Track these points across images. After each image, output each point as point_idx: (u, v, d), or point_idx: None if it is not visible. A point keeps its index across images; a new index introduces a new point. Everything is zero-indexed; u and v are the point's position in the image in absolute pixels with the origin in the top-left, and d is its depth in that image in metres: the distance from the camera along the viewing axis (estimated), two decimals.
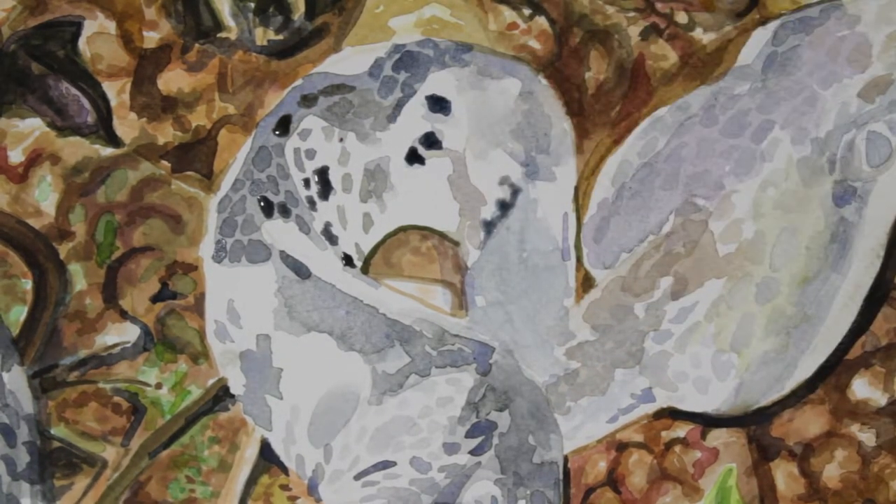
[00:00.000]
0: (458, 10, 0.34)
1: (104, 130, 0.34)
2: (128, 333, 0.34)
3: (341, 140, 0.34)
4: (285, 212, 0.34)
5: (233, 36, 0.34)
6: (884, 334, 0.35)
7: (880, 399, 0.35)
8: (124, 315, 0.34)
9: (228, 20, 0.34)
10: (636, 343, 0.34)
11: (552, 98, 0.34)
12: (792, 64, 0.34)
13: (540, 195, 0.34)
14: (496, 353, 0.34)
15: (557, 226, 0.34)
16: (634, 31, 0.34)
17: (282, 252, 0.34)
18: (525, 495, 0.34)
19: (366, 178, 0.34)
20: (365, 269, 0.35)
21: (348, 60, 0.34)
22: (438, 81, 0.34)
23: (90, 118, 0.34)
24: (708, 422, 0.35)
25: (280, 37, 0.34)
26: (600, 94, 0.34)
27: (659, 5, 0.34)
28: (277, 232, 0.34)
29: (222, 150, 0.34)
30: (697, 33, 0.34)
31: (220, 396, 0.35)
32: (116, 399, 0.34)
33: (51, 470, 0.34)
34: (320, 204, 0.34)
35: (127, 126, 0.34)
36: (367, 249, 0.35)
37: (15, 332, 0.34)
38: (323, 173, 0.34)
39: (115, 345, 0.34)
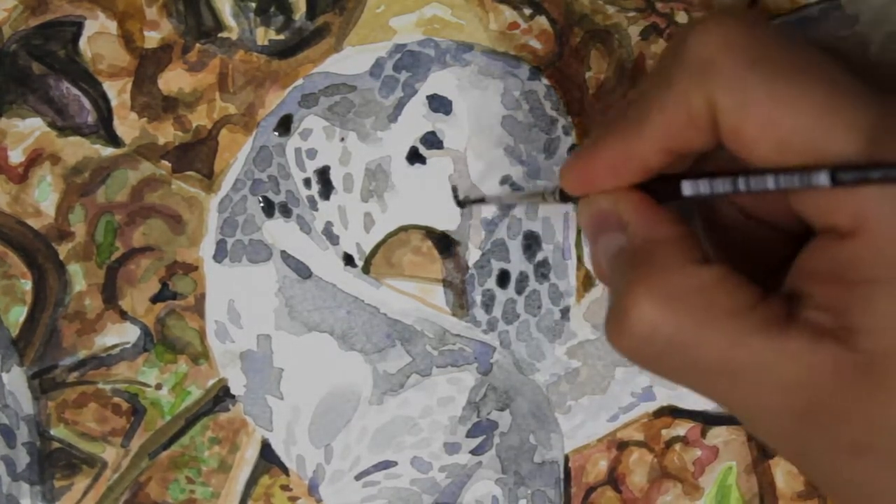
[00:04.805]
0: (458, 9, 0.34)
1: (104, 130, 0.34)
2: (127, 334, 0.34)
3: (342, 140, 0.34)
4: (286, 212, 0.34)
5: (234, 36, 0.34)
6: None
7: None
8: (124, 316, 0.34)
9: (229, 20, 0.34)
10: None
11: (553, 97, 0.34)
12: None
13: None
14: (497, 352, 0.34)
15: (558, 225, 0.35)
16: (635, 31, 0.34)
17: (283, 252, 0.34)
18: (526, 495, 0.34)
19: (367, 178, 0.34)
20: (366, 269, 0.34)
21: (349, 60, 0.34)
22: (439, 81, 0.34)
23: (91, 118, 0.34)
24: (708, 420, 0.35)
25: (281, 36, 0.34)
26: (601, 94, 0.34)
27: (659, 5, 0.34)
28: (278, 232, 0.34)
29: (223, 149, 0.34)
30: None
31: (221, 397, 0.34)
32: (116, 400, 0.34)
33: (50, 471, 0.34)
34: (321, 203, 0.34)
35: (127, 126, 0.34)
36: (368, 249, 0.34)
37: (14, 332, 0.34)
38: (324, 173, 0.34)
39: (115, 345, 0.34)
